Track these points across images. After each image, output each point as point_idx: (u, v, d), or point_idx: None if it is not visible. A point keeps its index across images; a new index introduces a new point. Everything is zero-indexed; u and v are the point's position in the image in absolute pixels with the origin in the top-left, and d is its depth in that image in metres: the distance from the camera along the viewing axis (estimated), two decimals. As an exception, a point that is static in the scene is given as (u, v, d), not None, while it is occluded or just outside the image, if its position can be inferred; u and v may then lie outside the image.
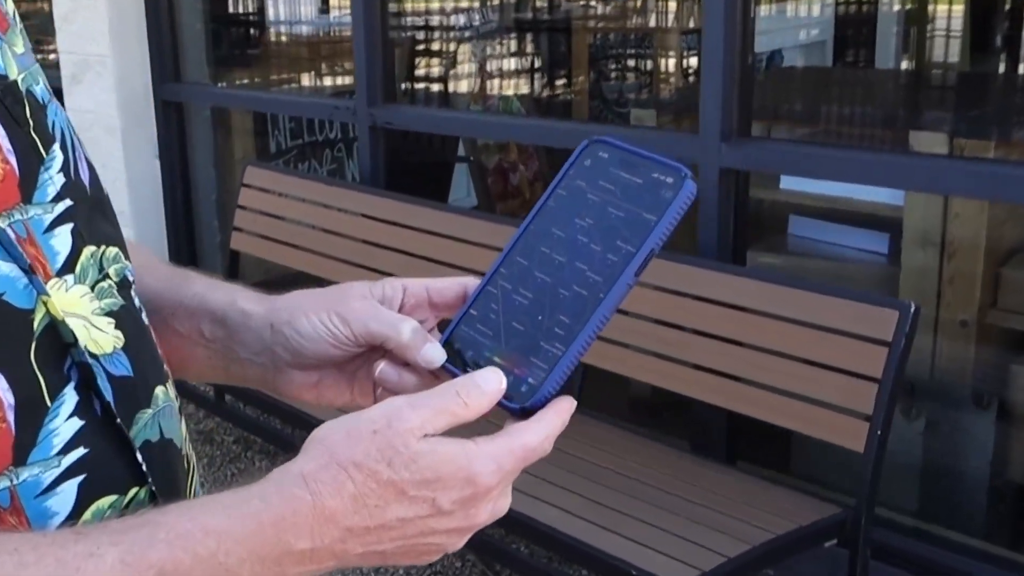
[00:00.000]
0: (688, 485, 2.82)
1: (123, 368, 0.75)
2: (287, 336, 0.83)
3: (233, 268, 4.39)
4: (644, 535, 2.59)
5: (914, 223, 3.27)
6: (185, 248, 5.08)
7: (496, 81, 6.24)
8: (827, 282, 2.89)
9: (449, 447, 0.69)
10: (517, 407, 0.74)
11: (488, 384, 0.72)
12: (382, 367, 0.80)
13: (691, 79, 5.53)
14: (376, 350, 0.82)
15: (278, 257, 4.20)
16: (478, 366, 0.76)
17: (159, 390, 0.80)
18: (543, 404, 0.74)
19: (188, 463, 0.84)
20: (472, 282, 0.82)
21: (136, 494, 0.74)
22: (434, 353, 0.78)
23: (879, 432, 2.55)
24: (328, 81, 5.89)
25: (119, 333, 0.77)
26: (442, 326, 0.82)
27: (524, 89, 6.25)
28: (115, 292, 0.79)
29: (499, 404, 0.74)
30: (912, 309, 2.55)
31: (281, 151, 5.15)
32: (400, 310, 0.83)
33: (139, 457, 0.75)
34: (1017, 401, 3.26)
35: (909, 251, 3.28)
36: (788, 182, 3.69)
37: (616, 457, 2.99)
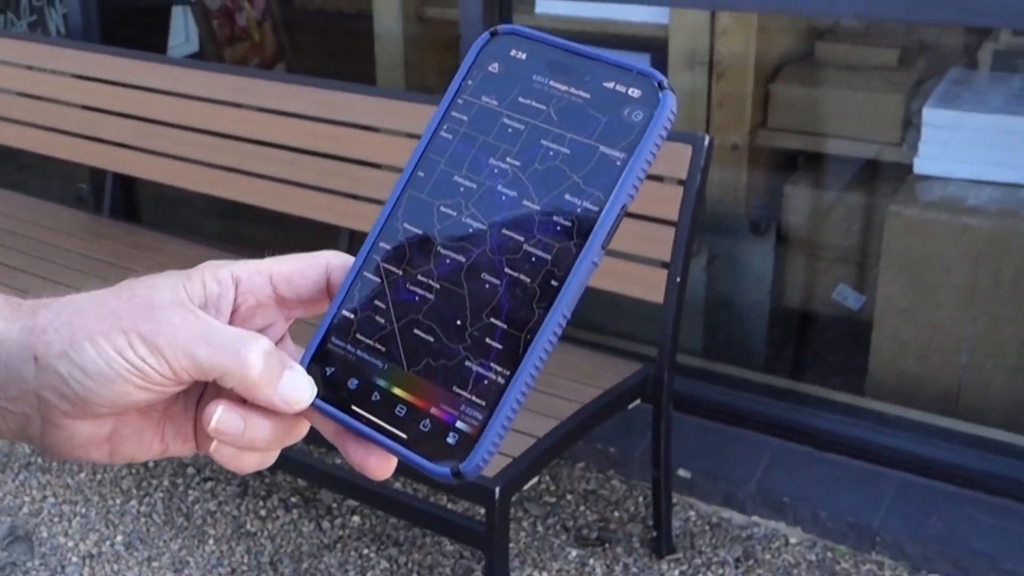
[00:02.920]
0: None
1: None
2: (64, 376, 0.55)
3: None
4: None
5: (681, 42, 3.08)
6: None
7: None
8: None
9: None
10: (447, 471, 0.51)
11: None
12: (220, 414, 0.56)
13: None
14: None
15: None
16: (372, 405, 0.54)
17: None
18: (486, 463, 0.51)
19: None
20: (339, 262, 0.58)
21: None
22: (300, 388, 0.55)
23: (679, 279, 2.44)
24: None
25: None
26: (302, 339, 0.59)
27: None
28: None
29: (415, 464, 0.52)
30: (707, 142, 2.40)
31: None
32: (233, 316, 0.58)
33: None
34: (793, 223, 3.23)
35: (676, 74, 3.11)
36: (545, 6, 3.38)
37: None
